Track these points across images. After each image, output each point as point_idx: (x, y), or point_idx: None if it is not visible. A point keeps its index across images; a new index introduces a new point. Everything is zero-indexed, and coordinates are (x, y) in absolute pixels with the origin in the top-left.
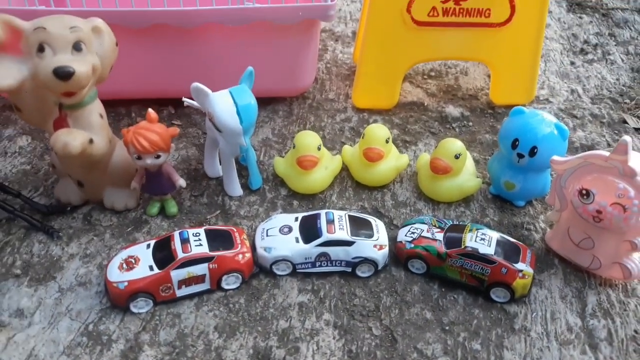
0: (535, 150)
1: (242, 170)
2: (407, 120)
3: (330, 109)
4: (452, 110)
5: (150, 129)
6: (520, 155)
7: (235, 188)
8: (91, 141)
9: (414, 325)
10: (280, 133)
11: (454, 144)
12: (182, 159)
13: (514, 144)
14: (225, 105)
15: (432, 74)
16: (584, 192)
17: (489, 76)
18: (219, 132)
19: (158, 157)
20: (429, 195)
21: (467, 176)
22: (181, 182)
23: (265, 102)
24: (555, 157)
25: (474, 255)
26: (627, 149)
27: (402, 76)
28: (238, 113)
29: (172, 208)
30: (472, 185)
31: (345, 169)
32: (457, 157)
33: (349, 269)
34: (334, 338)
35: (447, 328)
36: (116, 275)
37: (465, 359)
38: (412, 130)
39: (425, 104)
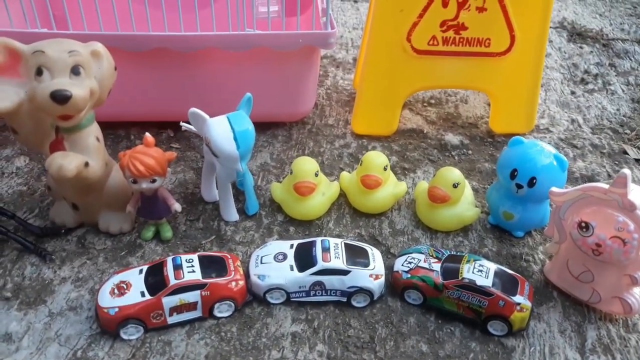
0: (534, 181)
1: (239, 195)
2: (406, 147)
3: (330, 135)
4: (452, 138)
5: (147, 153)
6: (519, 186)
7: (231, 213)
8: (87, 164)
9: (409, 358)
10: (279, 158)
11: (453, 173)
12: (179, 182)
13: (513, 174)
14: (223, 130)
15: (432, 101)
16: (583, 224)
17: (489, 104)
18: (215, 157)
19: (154, 181)
20: (427, 224)
21: (465, 205)
22: (177, 206)
23: (264, 126)
24: (554, 189)
25: (471, 287)
26: (626, 182)
27: (402, 103)
28: (235, 139)
29: (167, 232)
30: (470, 214)
31: (342, 195)
32: (455, 186)
33: (344, 299)
34: None
35: None
36: (107, 300)
37: None
38: (411, 158)
39: (425, 132)
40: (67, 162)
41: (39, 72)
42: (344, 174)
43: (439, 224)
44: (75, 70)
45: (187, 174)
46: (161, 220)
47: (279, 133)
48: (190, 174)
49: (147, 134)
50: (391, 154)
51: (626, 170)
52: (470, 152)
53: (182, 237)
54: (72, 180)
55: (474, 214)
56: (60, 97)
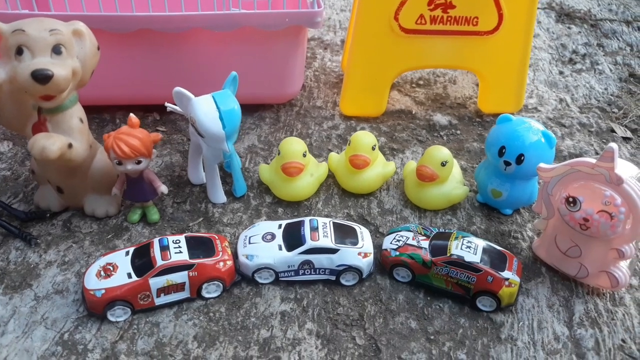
0: (522, 158)
1: (227, 177)
2: (394, 128)
3: (318, 117)
4: (440, 118)
5: (132, 134)
6: (507, 163)
7: (218, 195)
8: (70, 146)
9: (398, 335)
10: (267, 140)
11: (441, 152)
12: (165, 165)
13: (501, 152)
14: (208, 110)
15: (421, 82)
16: (570, 199)
17: (477, 85)
18: (201, 138)
19: (139, 162)
20: (416, 203)
21: (454, 184)
22: (163, 188)
23: (252, 109)
24: (542, 165)
25: (460, 263)
26: (613, 156)
27: (390, 84)
28: (221, 118)
29: (154, 215)
30: (458, 193)
31: (331, 176)
32: (443, 164)
33: (333, 277)
34: (316, 348)
35: (432, 337)
36: (94, 282)
37: None
38: (399, 139)
39: (413, 112)
40: (49, 143)
41: (19, 51)
42: (333, 154)
43: (428, 203)
44: (56, 50)
45: (174, 156)
46: (147, 203)
47: (266, 115)
48: (177, 156)
49: (132, 114)
50: (380, 135)
51: (613, 144)
52: (458, 132)
53: (169, 220)
54: (56, 162)
55: (463, 192)
56: (41, 77)
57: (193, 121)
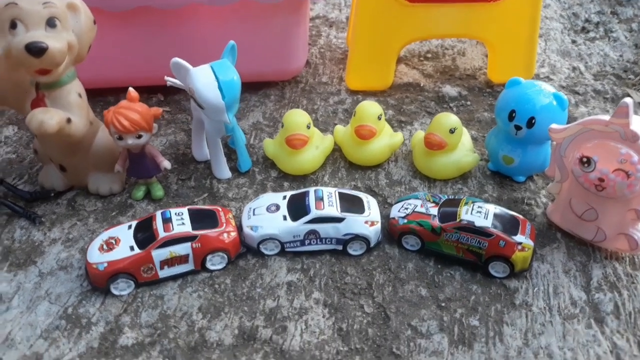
0: (533, 122)
1: (232, 154)
2: (402, 101)
3: (324, 92)
4: (450, 90)
5: (131, 108)
6: (518, 127)
7: (223, 170)
8: (69, 121)
9: (408, 303)
10: (272, 117)
11: (449, 118)
12: (170, 144)
13: (511, 116)
14: (207, 80)
15: (429, 55)
16: (584, 159)
17: (487, 56)
18: (201, 110)
19: (140, 137)
20: (425, 173)
21: (463, 152)
22: (166, 163)
23: (256, 86)
24: (554, 125)
25: (470, 229)
26: (628, 112)
27: (396, 56)
28: (220, 88)
29: (158, 191)
30: (469, 161)
31: (337, 149)
32: (452, 131)
33: (340, 247)
34: (323, 316)
35: (443, 304)
36: (96, 256)
37: (462, 335)
38: (407, 111)
39: (422, 85)
40: (47, 117)
41: (13, 25)
42: (338, 127)
43: (437, 172)
44: (50, 23)
45: (178, 135)
46: (151, 179)
47: (271, 92)
48: (181, 135)
49: (131, 88)
50: (387, 108)
51: (627, 99)
52: (468, 102)
53: (173, 196)
54: (56, 138)
55: (473, 160)
56: (35, 49)
57: (192, 92)
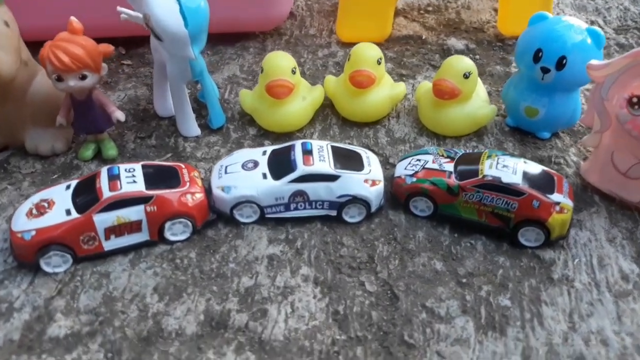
0: (564, 62)
1: (202, 110)
2: (402, 53)
3: (311, 45)
4: (455, 42)
5: (73, 41)
6: (545, 70)
7: (190, 127)
8: None
9: (420, 279)
10: (250, 70)
11: (462, 61)
12: (129, 98)
13: (537, 56)
14: (166, 3)
15: (430, 8)
16: (634, 100)
17: (495, 10)
18: (161, 45)
19: (84, 77)
20: (433, 129)
21: (478, 102)
22: (118, 114)
23: (233, 38)
24: (593, 62)
25: (496, 186)
26: None
27: (394, 2)
28: (182, 13)
29: (110, 150)
30: (485, 113)
31: (328, 104)
32: (466, 76)
33: (334, 212)
34: (314, 297)
35: (464, 281)
36: (22, 223)
37: (492, 318)
38: (409, 64)
39: (424, 38)
40: None
41: None
42: (329, 77)
43: (448, 127)
44: None
45: (139, 89)
46: (102, 136)
47: (250, 45)
48: (143, 89)
49: (73, 17)
50: (386, 60)
51: None
52: (477, 56)
53: (130, 157)
54: None
55: (490, 111)
56: None
57: (148, 19)
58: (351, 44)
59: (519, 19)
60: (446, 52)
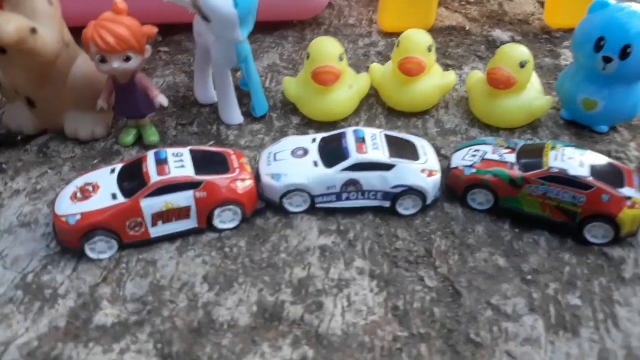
0: (628, 50)
1: (243, 98)
2: (446, 44)
3: (351, 34)
4: (500, 34)
5: (118, 21)
6: (607, 59)
7: (233, 114)
8: (34, 31)
9: (482, 275)
10: (290, 58)
11: (518, 49)
12: (167, 85)
13: (598, 45)
14: None
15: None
16: None
17: (539, 2)
18: (207, 26)
19: (128, 59)
20: (485, 120)
21: (533, 93)
22: (161, 98)
23: (271, 27)
24: None
25: (562, 179)
26: None
27: None
28: None
29: (152, 136)
30: (541, 104)
31: (372, 93)
32: (522, 65)
33: (387, 203)
34: (371, 290)
35: (529, 278)
36: (66, 206)
37: (562, 317)
38: (454, 54)
39: (467, 28)
40: (2, 20)
41: None
42: (375, 65)
43: (502, 118)
44: None
45: (178, 76)
46: (143, 121)
47: (288, 34)
48: (182, 76)
49: None
50: None
51: None
52: None
53: (171, 143)
54: (19, 57)
55: (546, 102)
56: None
57: (196, 1)
58: (393, 34)
59: (569, 9)
60: (491, 44)
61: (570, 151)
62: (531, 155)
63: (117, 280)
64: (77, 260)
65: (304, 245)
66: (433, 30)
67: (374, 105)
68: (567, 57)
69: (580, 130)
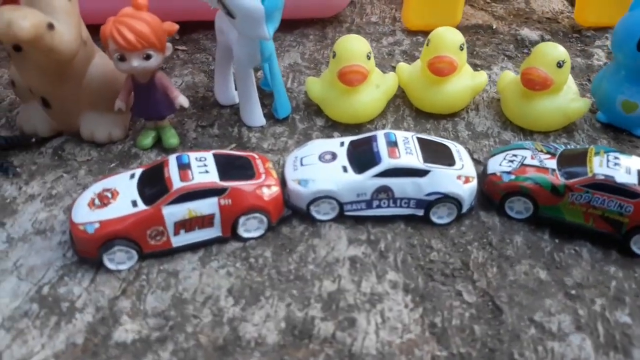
0: None
1: (264, 99)
2: (474, 43)
3: (374, 33)
4: (529, 33)
5: (138, 17)
6: None
7: (255, 115)
8: (51, 27)
9: (523, 289)
10: (312, 58)
11: (556, 49)
12: (186, 85)
13: None
14: None
15: None
16: None
17: (568, 0)
18: (232, 22)
19: (148, 57)
20: (519, 123)
21: (570, 95)
22: (182, 99)
23: (291, 25)
24: None
25: (609, 187)
26: None
27: None
28: None
29: (172, 138)
30: (578, 106)
31: (399, 95)
32: (559, 65)
33: (421, 212)
34: (406, 306)
35: (573, 292)
36: (84, 214)
37: (611, 336)
38: (482, 54)
39: (494, 27)
40: (19, 16)
41: None
42: (402, 64)
43: (537, 121)
44: None
45: (197, 76)
46: (163, 122)
47: (309, 32)
48: (201, 76)
49: None
50: None
51: None
52: None
53: (191, 146)
54: (36, 54)
55: (583, 104)
56: None
57: None
58: (418, 32)
59: (599, 9)
60: (520, 43)
61: (616, 157)
62: (574, 161)
63: (137, 293)
64: (95, 271)
65: (333, 256)
66: (459, 29)
67: (401, 107)
68: (599, 57)
69: (619, 133)
